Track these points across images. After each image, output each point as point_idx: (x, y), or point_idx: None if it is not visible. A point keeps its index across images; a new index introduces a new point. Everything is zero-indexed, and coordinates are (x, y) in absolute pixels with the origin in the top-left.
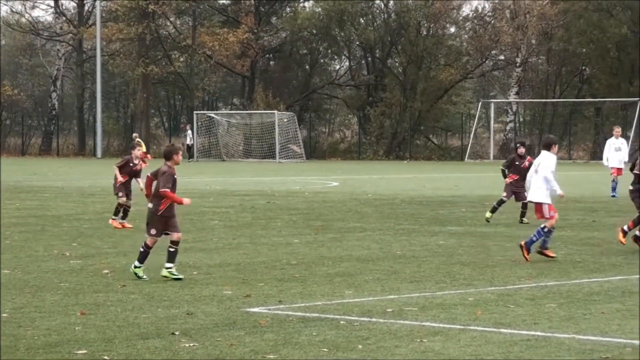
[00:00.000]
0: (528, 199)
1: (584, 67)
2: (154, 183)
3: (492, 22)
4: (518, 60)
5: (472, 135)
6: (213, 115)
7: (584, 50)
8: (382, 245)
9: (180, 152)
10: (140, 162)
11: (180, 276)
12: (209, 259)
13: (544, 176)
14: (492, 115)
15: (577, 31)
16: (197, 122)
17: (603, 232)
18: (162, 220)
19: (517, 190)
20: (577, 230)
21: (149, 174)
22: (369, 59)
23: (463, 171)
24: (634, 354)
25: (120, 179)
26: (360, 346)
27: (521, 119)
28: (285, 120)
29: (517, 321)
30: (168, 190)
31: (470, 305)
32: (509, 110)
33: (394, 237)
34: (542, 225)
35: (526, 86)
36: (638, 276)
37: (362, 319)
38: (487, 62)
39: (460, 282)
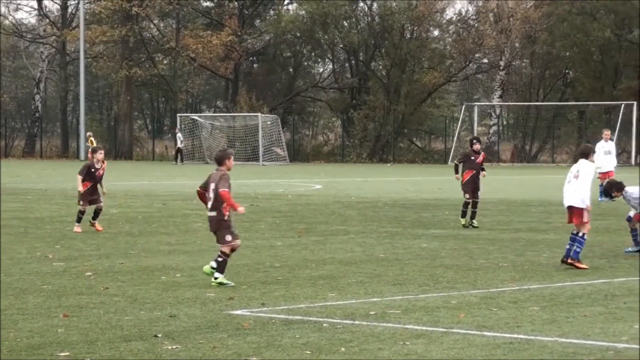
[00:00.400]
0: (569, 203)
1: (567, 71)
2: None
3: (476, 25)
4: (502, 63)
5: (455, 139)
6: (196, 117)
7: (568, 53)
8: (365, 248)
9: (232, 157)
10: (102, 165)
11: (231, 283)
12: (192, 261)
13: (584, 185)
14: (475, 118)
15: (561, 34)
16: (180, 125)
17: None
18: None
19: (473, 188)
20: (560, 234)
21: (198, 188)
22: (353, 61)
23: (446, 174)
24: (616, 356)
25: (80, 189)
26: (343, 349)
27: (504, 122)
28: (269, 123)
29: (500, 324)
30: (227, 191)
31: (453, 308)
32: (493, 114)
33: (377, 240)
34: (580, 234)
35: (510, 89)
36: (631, 278)
37: (345, 321)
38: (470, 65)
39: (443, 285)
